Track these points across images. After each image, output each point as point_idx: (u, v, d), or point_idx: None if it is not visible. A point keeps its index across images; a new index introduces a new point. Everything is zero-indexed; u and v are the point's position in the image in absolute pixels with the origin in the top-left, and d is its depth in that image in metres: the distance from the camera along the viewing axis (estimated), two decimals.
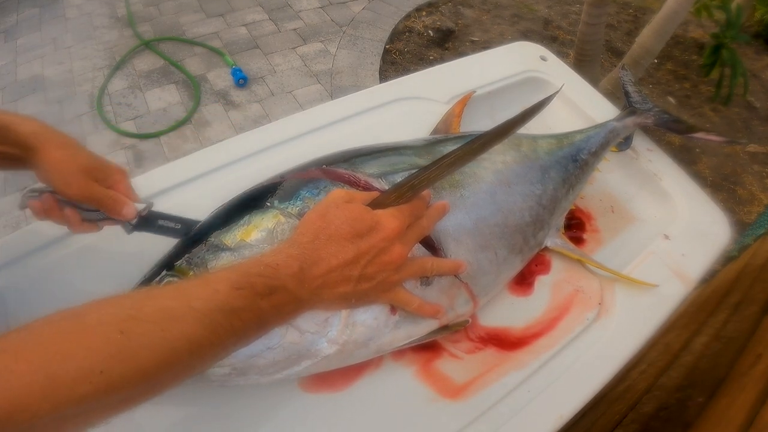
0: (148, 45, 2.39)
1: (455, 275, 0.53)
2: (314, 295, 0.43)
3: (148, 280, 0.47)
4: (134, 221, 0.51)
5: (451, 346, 0.56)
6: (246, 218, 0.49)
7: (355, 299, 0.46)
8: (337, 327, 0.47)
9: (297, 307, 0.43)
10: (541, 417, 0.51)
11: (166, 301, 0.36)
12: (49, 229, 0.59)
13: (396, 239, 0.45)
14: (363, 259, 0.44)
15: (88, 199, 0.49)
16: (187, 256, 0.48)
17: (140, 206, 0.52)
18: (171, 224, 0.53)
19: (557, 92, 0.59)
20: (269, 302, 0.40)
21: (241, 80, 2.21)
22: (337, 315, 0.47)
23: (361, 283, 0.45)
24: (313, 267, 0.42)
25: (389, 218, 0.45)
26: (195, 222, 0.53)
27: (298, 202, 0.50)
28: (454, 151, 0.48)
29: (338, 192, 0.47)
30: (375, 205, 0.47)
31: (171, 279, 0.46)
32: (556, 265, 0.66)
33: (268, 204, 0.50)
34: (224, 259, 0.47)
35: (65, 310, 0.34)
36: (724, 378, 0.69)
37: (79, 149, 0.50)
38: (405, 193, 0.47)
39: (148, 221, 0.52)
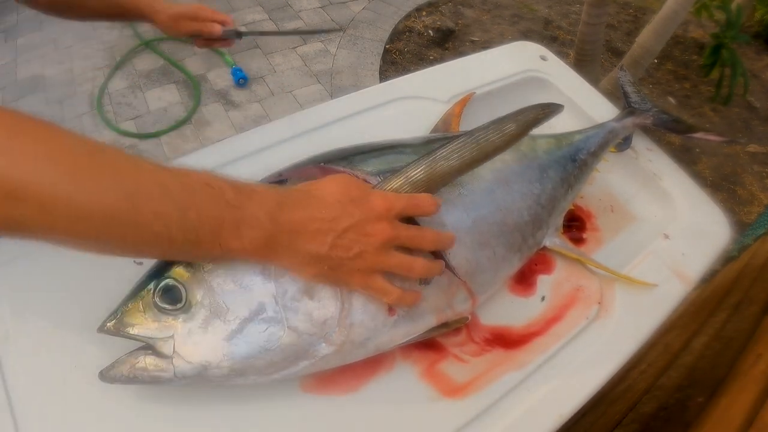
0: (148, 45, 2.39)
1: (454, 273, 0.53)
2: (285, 238, 0.41)
3: (145, 282, 0.47)
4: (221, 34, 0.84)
5: (457, 350, 0.56)
6: None
7: (327, 267, 0.43)
8: (335, 328, 0.47)
9: (264, 243, 0.40)
10: (540, 416, 0.51)
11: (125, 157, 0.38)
12: None
13: (382, 217, 0.44)
14: (344, 220, 0.42)
15: (193, 33, 0.83)
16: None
17: (226, 28, 0.84)
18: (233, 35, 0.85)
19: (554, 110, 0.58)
20: (232, 216, 0.38)
21: (241, 80, 2.21)
22: (334, 316, 0.47)
23: (336, 249, 0.42)
24: (293, 209, 0.41)
25: (379, 195, 0.45)
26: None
27: None
28: (460, 144, 0.49)
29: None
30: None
31: (169, 282, 0.46)
32: (558, 264, 0.65)
33: None
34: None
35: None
36: (724, 378, 0.69)
37: (174, 6, 0.81)
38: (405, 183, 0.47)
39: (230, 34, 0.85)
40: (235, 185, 0.40)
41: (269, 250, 0.41)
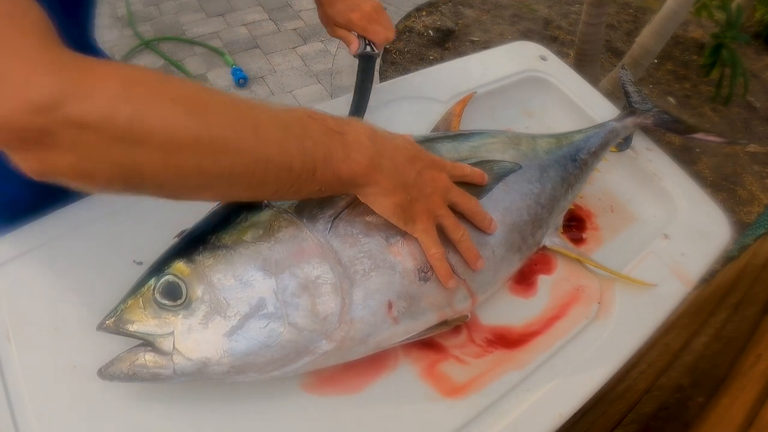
0: (148, 45, 2.39)
1: (453, 271, 0.52)
2: (385, 162, 0.44)
3: (145, 279, 0.47)
4: (357, 53, 0.72)
5: (458, 352, 0.56)
6: (243, 215, 0.49)
7: (409, 197, 0.46)
8: (336, 324, 0.47)
9: (368, 164, 0.43)
10: (540, 416, 0.51)
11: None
12: (51, 227, 0.59)
13: (441, 169, 0.49)
14: (420, 161, 0.47)
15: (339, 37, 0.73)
16: (186, 255, 0.47)
17: (365, 48, 0.72)
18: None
19: None
20: (340, 141, 0.41)
21: (241, 80, 2.21)
22: (335, 312, 0.47)
23: (419, 180, 0.47)
24: (384, 138, 0.45)
25: (431, 154, 0.51)
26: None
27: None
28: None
29: None
30: None
31: (170, 278, 0.46)
32: (558, 264, 0.65)
33: (265, 203, 0.50)
34: (222, 257, 0.46)
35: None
36: (724, 378, 0.69)
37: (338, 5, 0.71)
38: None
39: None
40: (331, 116, 0.43)
41: (372, 170, 0.43)
